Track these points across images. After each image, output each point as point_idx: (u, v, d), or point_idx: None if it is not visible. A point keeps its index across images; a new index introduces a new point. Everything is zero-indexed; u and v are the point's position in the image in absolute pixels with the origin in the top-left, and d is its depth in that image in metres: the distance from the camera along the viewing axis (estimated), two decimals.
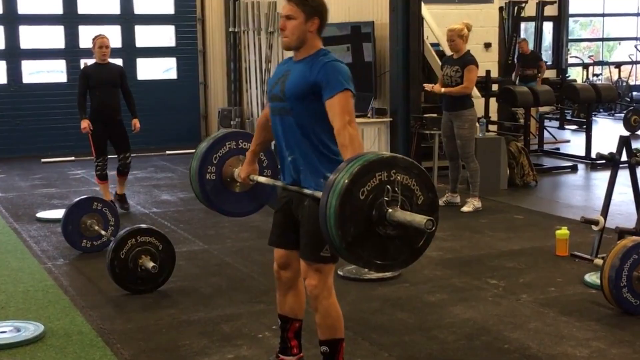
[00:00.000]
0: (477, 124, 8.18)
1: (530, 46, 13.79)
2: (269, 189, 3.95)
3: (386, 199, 2.89)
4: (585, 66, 17.31)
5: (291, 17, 3.41)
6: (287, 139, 3.44)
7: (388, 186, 2.89)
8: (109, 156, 7.66)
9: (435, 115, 8.74)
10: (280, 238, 3.61)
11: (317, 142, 3.36)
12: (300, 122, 3.37)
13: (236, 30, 12.36)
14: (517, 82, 13.17)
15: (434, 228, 2.83)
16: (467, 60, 7.40)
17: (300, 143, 3.39)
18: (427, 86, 7.92)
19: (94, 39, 7.52)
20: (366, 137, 9.35)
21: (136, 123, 7.62)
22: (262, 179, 3.81)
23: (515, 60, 12.41)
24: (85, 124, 7.47)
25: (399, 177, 2.92)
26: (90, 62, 7.66)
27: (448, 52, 9.06)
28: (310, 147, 3.37)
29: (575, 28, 19.54)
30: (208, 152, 3.91)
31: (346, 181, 2.85)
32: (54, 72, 12.53)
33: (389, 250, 2.96)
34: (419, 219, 2.82)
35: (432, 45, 9.56)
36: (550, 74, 14.43)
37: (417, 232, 2.94)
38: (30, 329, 4.44)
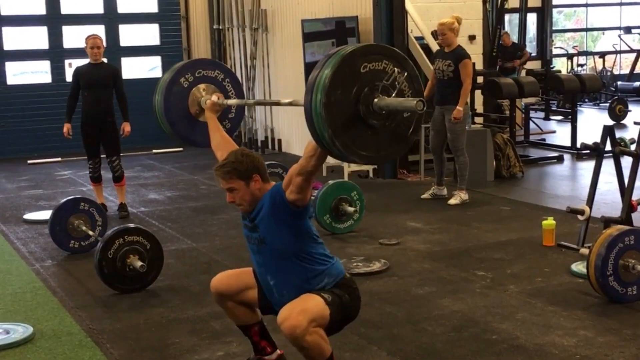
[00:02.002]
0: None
1: (515, 38, 13.82)
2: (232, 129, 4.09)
3: (384, 82, 2.91)
4: (569, 57, 17.38)
5: (233, 189, 3.39)
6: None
7: (393, 74, 2.94)
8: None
9: None
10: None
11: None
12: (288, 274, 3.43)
13: (220, 27, 12.34)
14: None
15: (424, 108, 2.84)
16: (460, 55, 7.41)
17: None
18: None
19: (86, 39, 7.38)
20: None
21: (125, 127, 7.40)
22: (232, 101, 3.87)
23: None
24: (65, 128, 7.41)
25: (400, 77, 2.95)
26: (84, 62, 7.55)
27: (433, 46, 9.10)
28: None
29: (559, 19, 19.61)
30: (197, 64, 4.03)
31: (352, 49, 2.90)
32: (39, 72, 12.47)
33: (375, 142, 2.97)
34: (410, 101, 2.85)
35: (417, 39, 9.57)
36: (534, 65, 14.48)
37: (404, 121, 2.98)
38: (20, 330, 4.43)
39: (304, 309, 3.24)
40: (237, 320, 3.71)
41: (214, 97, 3.96)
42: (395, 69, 2.95)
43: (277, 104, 3.57)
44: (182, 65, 4.11)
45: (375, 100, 2.90)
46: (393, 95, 2.93)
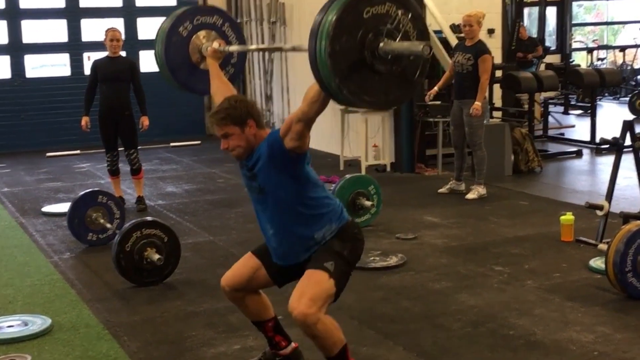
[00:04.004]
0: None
1: (534, 31, 13.73)
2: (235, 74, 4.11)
3: (389, 26, 2.83)
4: (589, 50, 17.24)
5: (228, 135, 3.37)
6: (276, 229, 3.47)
7: (397, 17, 2.84)
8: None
9: (439, 102, 8.73)
10: (265, 256, 3.60)
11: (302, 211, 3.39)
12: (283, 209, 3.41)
13: (239, 20, 12.32)
14: None
15: (431, 53, 2.79)
16: (481, 49, 7.39)
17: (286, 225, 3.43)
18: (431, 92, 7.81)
19: (105, 32, 7.39)
20: (370, 126, 9.34)
21: (144, 121, 7.43)
22: (233, 48, 3.86)
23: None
24: (83, 121, 7.44)
25: (404, 18, 2.88)
26: (102, 55, 7.58)
27: (452, 40, 9.05)
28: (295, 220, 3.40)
29: (579, 12, 19.47)
30: (195, 11, 4.01)
31: None
32: (57, 65, 12.53)
33: (382, 87, 2.91)
34: (416, 45, 2.79)
35: (435, 32, 9.52)
36: (554, 58, 14.37)
37: (410, 65, 2.92)
38: (38, 322, 4.47)
39: (312, 297, 3.23)
40: (252, 316, 3.72)
41: (215, 44, 3.95)
42: (399, 11, 2.86)
43: (280, 49, 3.57)
44: (181, 13, 4.07)
45: (381, 45, 2.83)
46: (398, 38, 2.85)
